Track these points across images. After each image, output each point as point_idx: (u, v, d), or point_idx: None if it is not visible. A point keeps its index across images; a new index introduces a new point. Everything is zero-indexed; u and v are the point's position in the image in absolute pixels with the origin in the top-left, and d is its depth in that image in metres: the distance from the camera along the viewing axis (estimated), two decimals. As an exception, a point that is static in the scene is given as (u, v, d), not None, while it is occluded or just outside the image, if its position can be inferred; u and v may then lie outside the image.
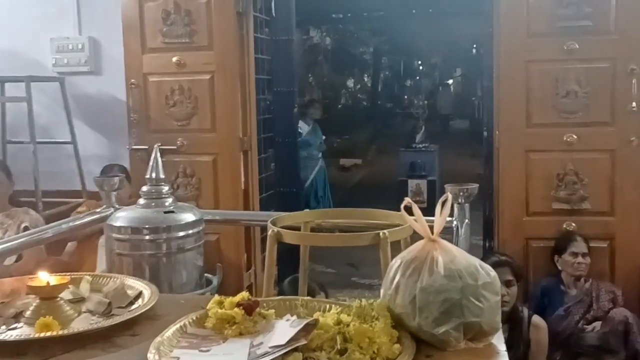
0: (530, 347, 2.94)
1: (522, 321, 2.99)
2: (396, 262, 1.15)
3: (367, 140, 7.16)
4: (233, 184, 3.88)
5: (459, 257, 1.12)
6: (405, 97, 14.85)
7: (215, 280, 2.26)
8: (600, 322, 3.18)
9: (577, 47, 3.54)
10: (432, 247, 1.13)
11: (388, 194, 7.51)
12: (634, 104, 3.50)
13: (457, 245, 1.91)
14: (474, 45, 15.44)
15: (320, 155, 7.04)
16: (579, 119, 3.59)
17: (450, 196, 1.20)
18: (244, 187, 3.95)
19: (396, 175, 8.39)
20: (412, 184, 7.85)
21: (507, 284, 3.00)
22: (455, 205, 2.06)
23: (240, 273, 3.92)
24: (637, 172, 3.54)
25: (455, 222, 2.07)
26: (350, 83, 19.72)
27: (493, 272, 1.13)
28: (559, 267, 3.46)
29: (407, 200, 1.19)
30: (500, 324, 1.12)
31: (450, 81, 23.08)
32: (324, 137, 7.36)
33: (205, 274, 2.33)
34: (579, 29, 3.53)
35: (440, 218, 1.17)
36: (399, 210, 1.34)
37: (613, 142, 3.57)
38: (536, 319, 3.01)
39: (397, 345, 1.01)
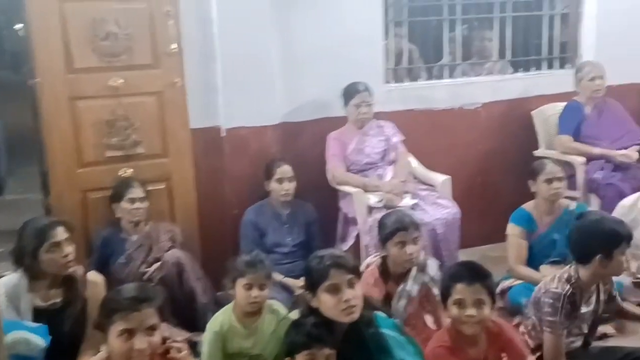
0: (89, 304, 2.79)
1: (76, 280, 2.81)
2: None
3: None
4: None
5: None
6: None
7: None
8: (160, 263, 3.23)
9: (112, -15, 3.40)
10: None
11: None
12: (174, 45, 3.56)
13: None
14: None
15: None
16: (123, 62, 3.49)
17: None
18: None
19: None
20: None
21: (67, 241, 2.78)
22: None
23: None
24: (183, 113, 3.65)
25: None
26: None
27: None
28: (118, 215, 3.39)
29: None
30: None
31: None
32: None
33: None
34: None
35: None
36: None
37: (158, 84, 3.59)
38: (91, 275, 2.88)
39: None
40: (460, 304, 2.26)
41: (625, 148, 4.09)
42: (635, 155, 4.02)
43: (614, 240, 2.53)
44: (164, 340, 2.11)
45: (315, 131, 3.93)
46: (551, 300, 2.55)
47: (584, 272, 2.58)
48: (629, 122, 4.29)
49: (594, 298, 2.67)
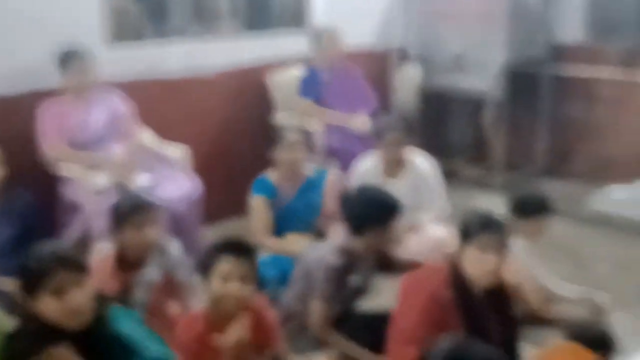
0: None
1: None
2: None
3: None
4: None
5: None
6: None
7: None
8: None
9: None
10: None
11: None
12: None
13: None
14: None
15: None
16: None
17: None
18: None
19: None
20: None
21: None
22: None
23: None
24: None
25: None
26: None
27: None
28: None
29: None
30: None
31: None
32: None
33: None
34: None
35: None
36: None
37: None
38: None
39: None
40: (224, 277, 2.17)
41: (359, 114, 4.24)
42: (368, 123, 4.16)
43: (386, 213, 2.64)
44: None
45: (27, 106, 3.35)
46: (325, 270, 2.62)
47: (358, 243, 2.66)
48: (365, 89, 4.44)
49: (364, 271, 2.76)
